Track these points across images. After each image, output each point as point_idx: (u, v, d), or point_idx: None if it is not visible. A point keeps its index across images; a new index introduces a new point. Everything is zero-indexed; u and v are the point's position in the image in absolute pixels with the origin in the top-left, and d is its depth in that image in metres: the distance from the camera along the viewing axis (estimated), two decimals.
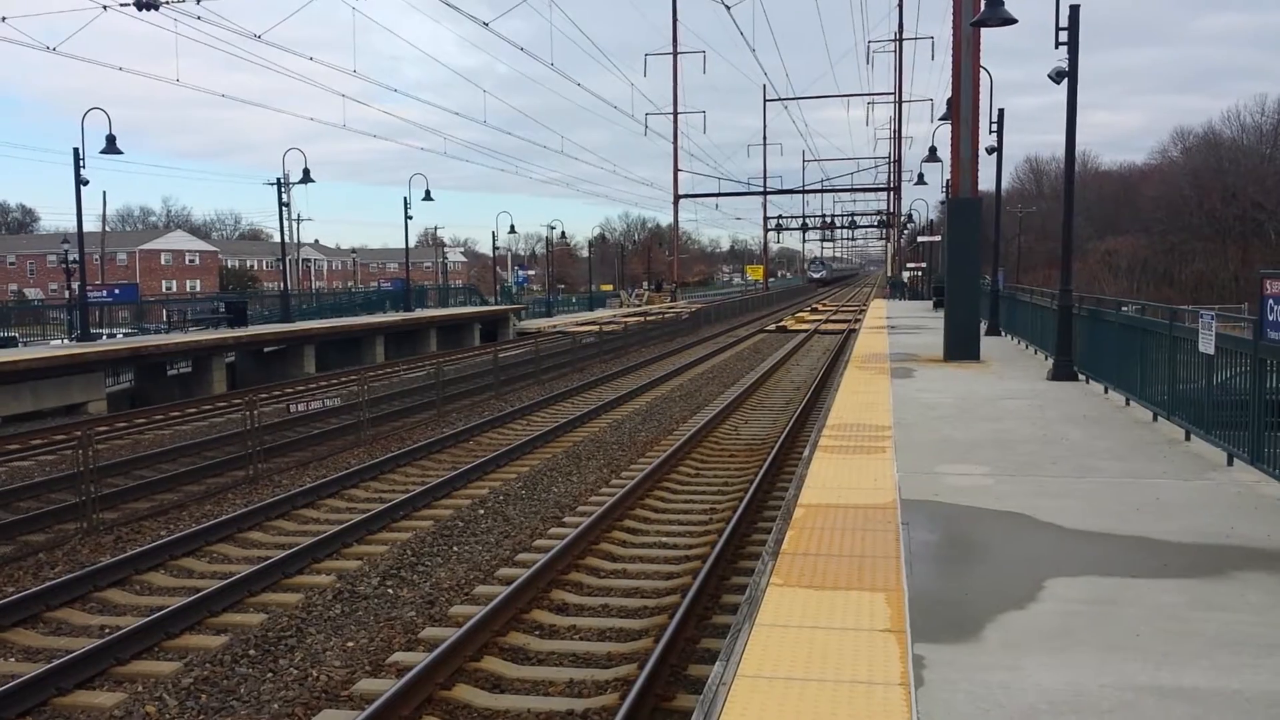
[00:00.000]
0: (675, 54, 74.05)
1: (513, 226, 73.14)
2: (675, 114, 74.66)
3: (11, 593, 10.37)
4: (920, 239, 75.11)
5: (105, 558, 11.52)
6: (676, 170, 75.09)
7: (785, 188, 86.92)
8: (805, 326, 51.15)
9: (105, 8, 22.97)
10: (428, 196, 50.90)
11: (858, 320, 45.61)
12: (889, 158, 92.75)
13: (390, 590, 10.30)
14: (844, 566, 6.80)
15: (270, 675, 8.23)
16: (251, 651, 8.65)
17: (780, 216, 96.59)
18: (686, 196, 76.24)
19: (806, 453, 11.11)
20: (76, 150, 29.85)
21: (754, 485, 13.39)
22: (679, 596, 9.50)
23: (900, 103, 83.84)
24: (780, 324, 54.13)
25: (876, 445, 11.10)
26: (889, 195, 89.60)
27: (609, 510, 12.44)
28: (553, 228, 78.61)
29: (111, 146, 30.53)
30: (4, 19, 21.86)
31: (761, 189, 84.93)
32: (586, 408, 22.41)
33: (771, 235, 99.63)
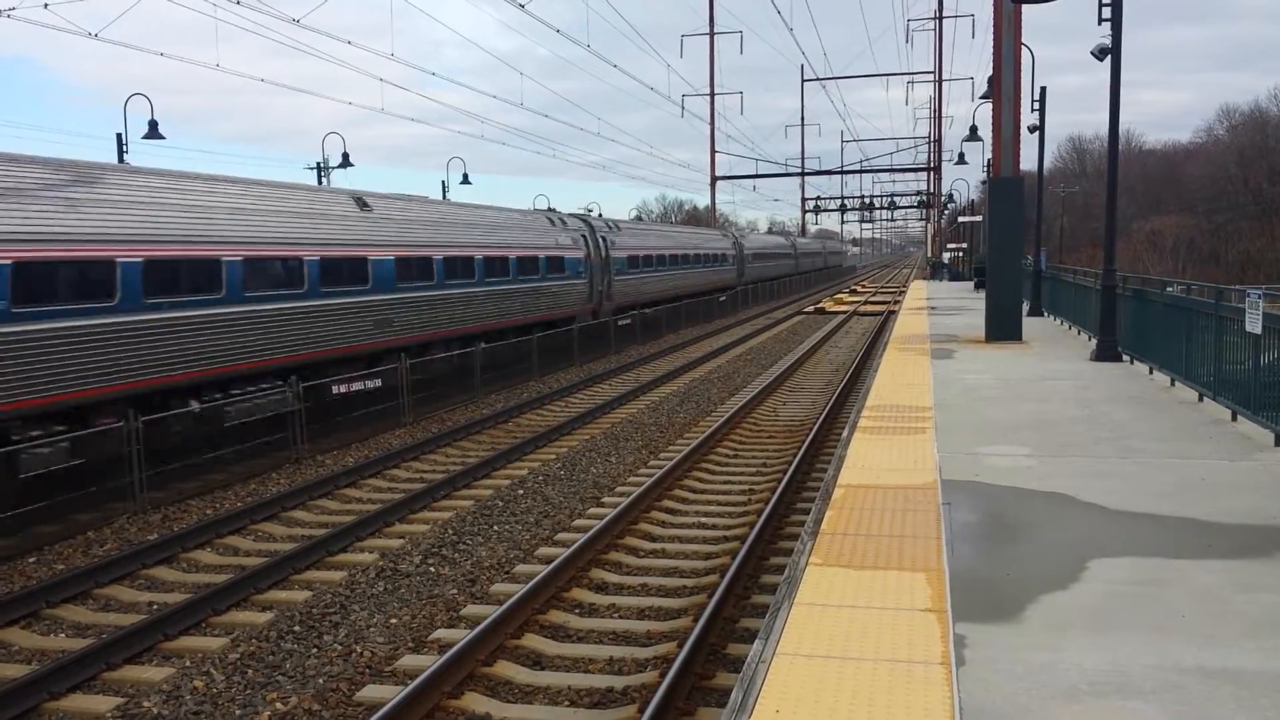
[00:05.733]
0: (712, 34, 73.50)
1: (550, 207, 73.13)
2: (712, 95, 74.14)
3: (62, 570, 10.61)
4: (961, 219, 74.27)
5: (153, 536, 11.74)
6: (713, 152, 74.63)
7: (823, 169, 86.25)
8: (844, 308, 50.87)
9: None
10: (465, 180, 50.91)
11: (897, 302, 45.30)
12: (929, 137, 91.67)
13: (432, 568, 10.41)
14: (884, 546, 6.79)
15: (315, 651, 8.36)
16: (296, 628, 8.79)
17: (819, 198, 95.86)
18: (724, 178, 75.69)
19: (846, 433, 11.07)
20: (120, 135, 30.20)
21: (793, 466, 13.38)
22: (718, 576, 9.53)
23: (940, 82, 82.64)
24: (819, 305, 53.90)
25: (917, 426, 11.03)
26: (929, 175, 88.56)
27: (647, 491, 12.48)
28: (589, 210, 78.59)
29: (154, 132, 30.78)
30: (46, 5, 21.97)
31: (799, 170, 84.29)
32: (624, 389, 22.46)
33: (810, 216, 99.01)
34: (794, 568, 6.62)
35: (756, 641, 5.43)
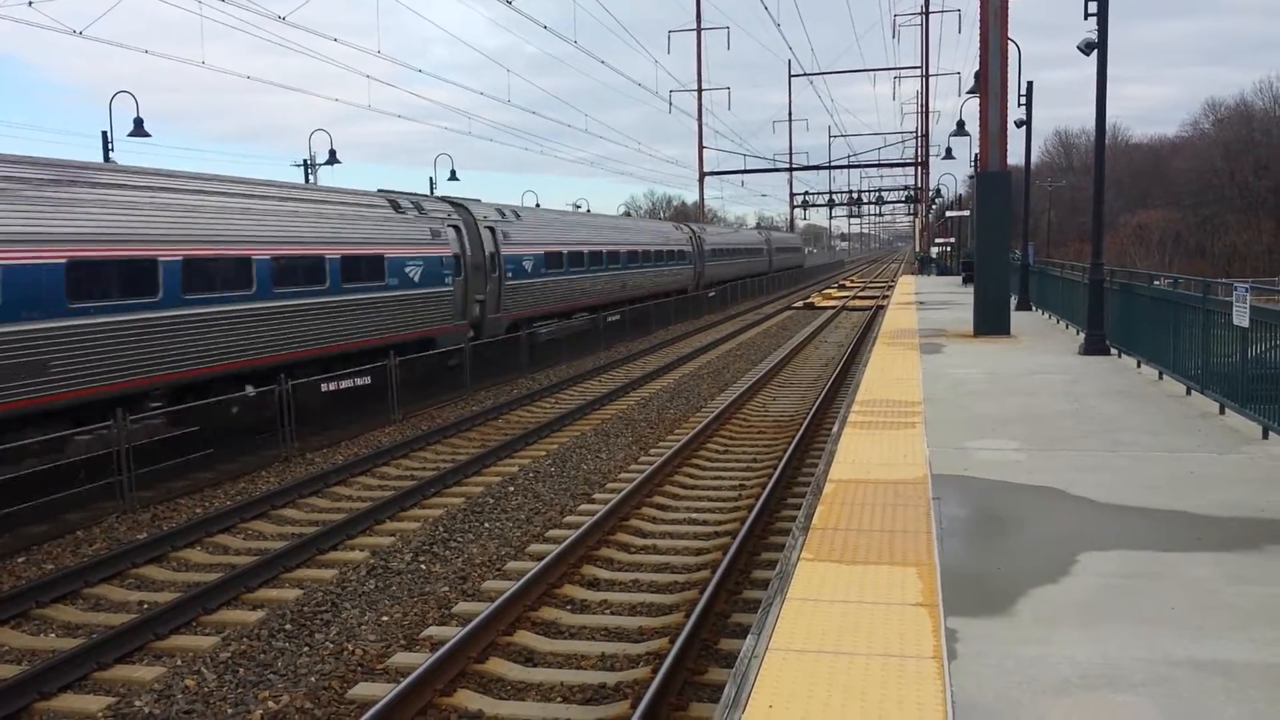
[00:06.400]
0: (699, 30, 73.44)
1: (538, 204, 72.93)
2: (699, 91, 74.10)
3: (51, 569, 10.56)
4: (948, 214, 74.47)
5: (142, 535, 11.69)
6: (701, 147, 74.60)
7: (811, 164, 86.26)
8: (833, 303, 50.99)
9: None
10: (453, 177, 50.76)
11: (886, 296, 45.43)
12: (916, 132, 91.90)
13: (423, 566, 10.40)
14: (875, 541, 6.81)
15: (306, 649, 8.34)
16: (288, 626, 8.77)
17: (806, 193, 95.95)
18: (712, 174, 75.70)
19: (836, 428, 11.10)
20: (105, 134, 30.04)
21: (783, 461, 13.40)
22: (709, 572, 9.54)
23: (927, 77, 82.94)
24: (808, 301, 54.01)
25: (907, 420, 11.07)
26: (916, 170, 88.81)
27: (639, 487, 12.48)
28: (577, 206, 78.44)
29: (139, 129, 30.60)
30: (30, 3, 21.76)
31: (787, 165, 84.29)
32: (614, 385, 22.45)
33: (798, 211, 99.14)
34: (786, 563, 6.63)
35: (749, 637, 5.45)
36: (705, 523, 11.63)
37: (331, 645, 8.41)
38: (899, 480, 8.43)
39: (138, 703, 7.41)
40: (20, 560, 10.93)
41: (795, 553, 6.71)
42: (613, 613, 8.95)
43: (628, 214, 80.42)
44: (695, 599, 8.70)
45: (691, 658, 7.55)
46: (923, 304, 30.81)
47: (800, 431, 15.42)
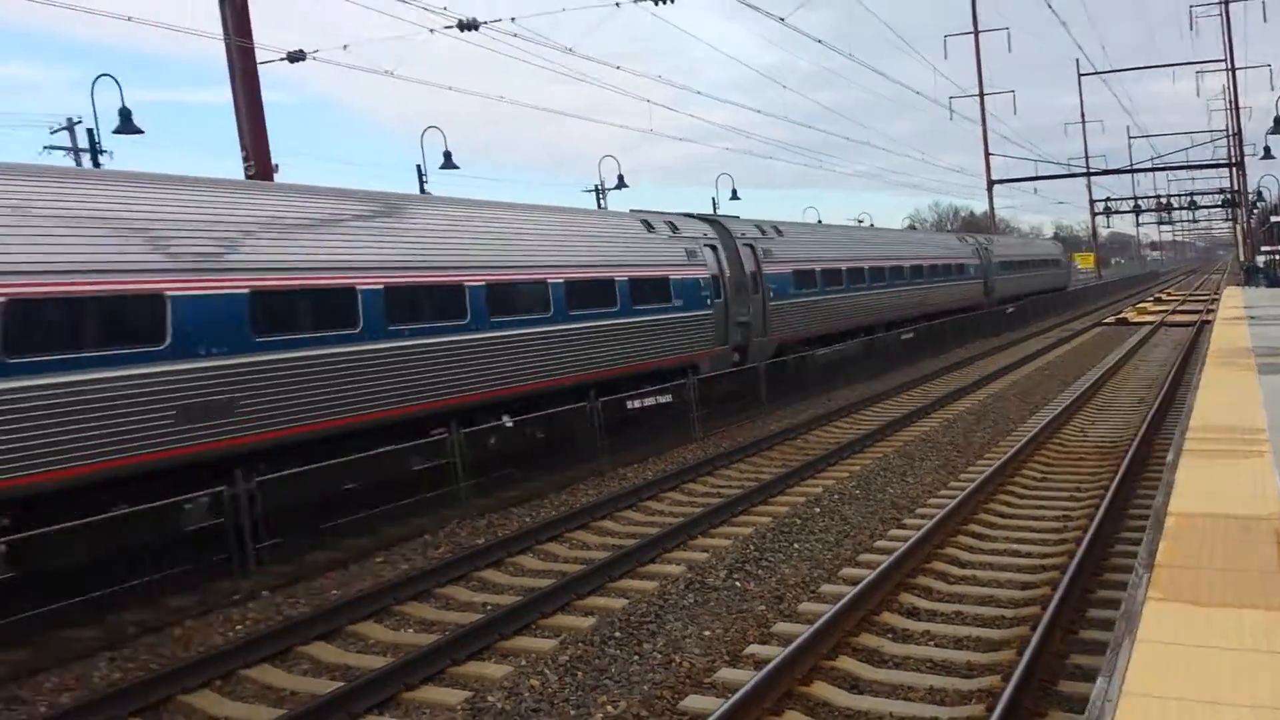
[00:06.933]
0: (976, 33, 70.60)
1: (819, 221, 72.31)
2: (981, 95, 71.06)
3: (405, 569, 11.67)
4: (1274, 219, 67.52)
5: (480, 540, 12.69)
6: (987, 154, 71.46)
7: (1109, 168, 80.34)
8: (1149, 319, 47.62)
9: (432, 31, 24.63)
10: (734, 196, 51.30)
11: (1210, 311, 41.93)
12: (1226, 131, 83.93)
13: (738, 583, 10.66)
14: (1231, 581, 6.39)
15: (637, 658, 8.76)
16: (617, 634, 9.23)
17: (1108, 199, 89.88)
18: (1000, 182, 72.20)
19: (1171, 457, 10.41)
20: (419, 167, 32.64)
21: (1110, 492, 12.66)
22: (1039, 608, 9.18)
23: (1234, 70, 75.18)
24: (1120, 316, 50.69)
25: (1251, 449, 10.22)
26: (1231, 171, 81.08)
27: (950, 514, 12.22)
28: (860, 221, 77.13)
29: (449, 162, 32.94)
30: (345, 47, 24.06)
31: (1083, 170, 79.12)
32: (913, 405, 22.04)
33: (1100, 219, 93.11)
34: (1131, 602, 6.35)
35: (1099, 679, 5.28)
36: (1028, 555, 11.20)
37: (660, 655, 8.80)
38: (1250, 515, 7.83)
39: (490, 698, 8.04)
40: (379, 560, 12.15)
41: (1141, 591, 6.41)
42: (936, 645, 8.81)
43: (912, 227, 78.46)
44: (1026, 635, 8.42)
45: (1029, 697, 7.33)
46: (1254, 319, 28.17)
47: (1126, 459, 14.54)
